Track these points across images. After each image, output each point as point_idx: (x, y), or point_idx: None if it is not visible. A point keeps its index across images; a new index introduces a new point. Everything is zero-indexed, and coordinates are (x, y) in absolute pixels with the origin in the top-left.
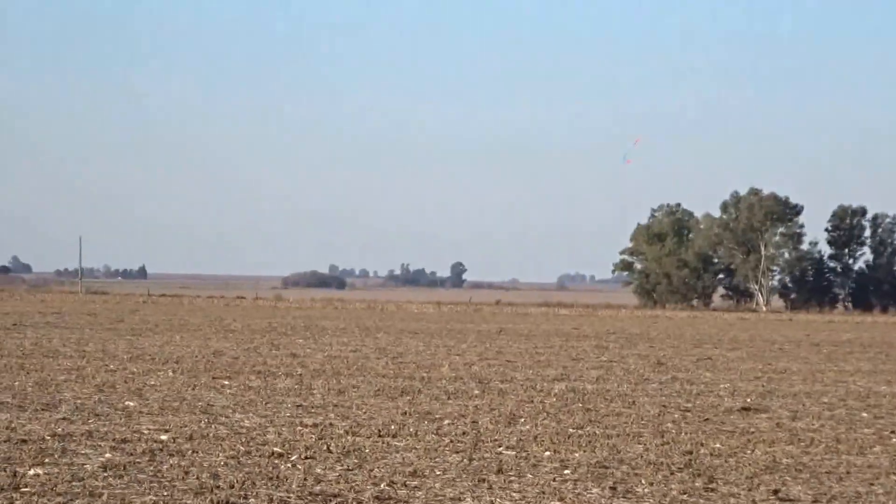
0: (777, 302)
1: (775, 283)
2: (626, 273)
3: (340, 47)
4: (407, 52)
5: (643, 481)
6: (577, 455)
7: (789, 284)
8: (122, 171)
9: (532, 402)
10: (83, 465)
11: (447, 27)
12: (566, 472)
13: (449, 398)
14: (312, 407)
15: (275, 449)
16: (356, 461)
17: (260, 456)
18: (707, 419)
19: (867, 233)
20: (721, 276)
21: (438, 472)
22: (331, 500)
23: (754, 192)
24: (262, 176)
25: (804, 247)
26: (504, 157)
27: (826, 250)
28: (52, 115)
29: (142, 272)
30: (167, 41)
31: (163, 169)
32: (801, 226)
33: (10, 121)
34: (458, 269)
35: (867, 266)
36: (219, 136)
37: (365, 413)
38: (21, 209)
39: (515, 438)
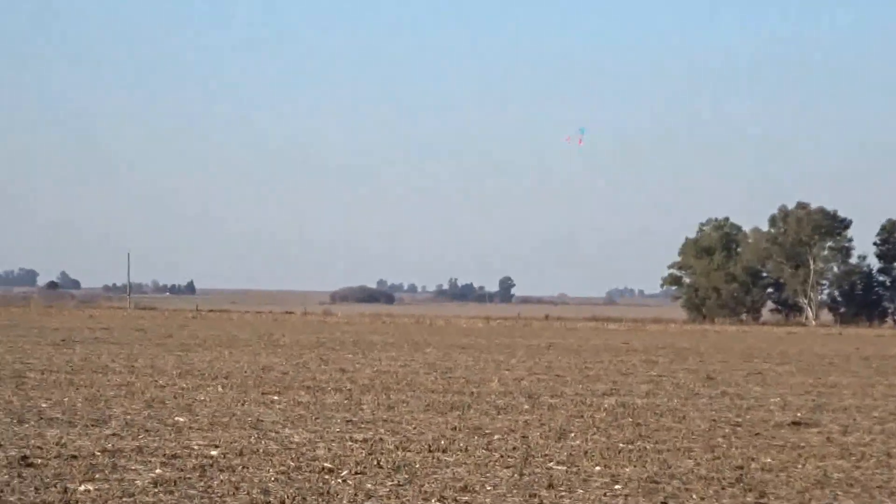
0: (826, 316)
1: (824, 297)
2: (674, 287)
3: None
4: (454, 61)
5: (694, 496)
6: (627, 470)
7: (838, 298)
8: (171, 186)
9: (582, 416)
10: (133, 481)
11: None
12: (617, 487)
13: (499, 413)
14: (362, 422)
15: (325, 464)
16: (406, 477)
17: (310, 471)
18: (757, 434)
19: None
20: (770, 290)
21: (489, 488)
22: None
23: (802, 205)
24: (311, 191)
25: (853, 261)
26: (552, 172)
27: (875, 264)
28: (103, 129)
29: (190, 287)
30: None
31: (212, 184)
32: (850, 239)
33: (59, 135)
34: (506, 283)
35: None
36: (266, 152)
37: (415, 428)
38: (69, 225)
39: (566, 453)
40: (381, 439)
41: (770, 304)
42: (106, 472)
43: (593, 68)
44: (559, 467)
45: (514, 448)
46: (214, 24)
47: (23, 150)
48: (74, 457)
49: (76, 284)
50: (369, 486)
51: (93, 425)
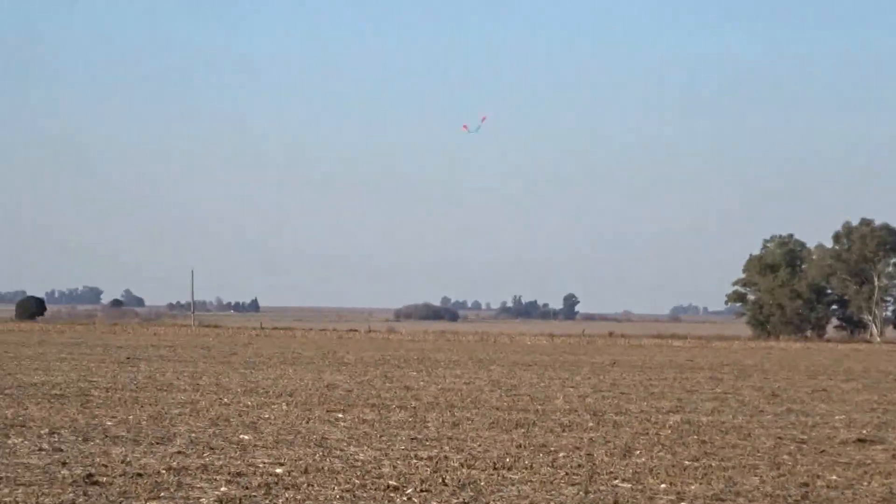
0: (892, 332)
1: (889, 313)
2: (739, 304)
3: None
4: (516, 74)
5: None
6: (693, 487)
7: None
8: (233, 205)
9: (647, 434)
10: (198, 498)
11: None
12: None
13: (564, 430)
14: (427, 440)
15: (390, 482)
16: (472, 494)
17: (375, 489)
18: (823, 451)
19: None
20: (834, 306)
21: None
22: None
23: (866, 222)
24: (374, 209)
25: None
26: (616, 189)
27: None
28: (167, 151)
29: (254, 305)
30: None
31: (275, 202)
32: None
33: (121, 155)
34: (570, 300)
35: None
36: (331, 172)
37: (480, 446)
38: (134, 243)
39: (631, 471)
40: (446, 457)
41: (834, 321)
42: (171, 490)
43: (661, 81)
44: (624, 485)
45: (579, 465)
46: (268, 50)
47: (88, 171)
48: (139, 475)
49: (140, 302)
50: (435, 503)
51: (158, 443)
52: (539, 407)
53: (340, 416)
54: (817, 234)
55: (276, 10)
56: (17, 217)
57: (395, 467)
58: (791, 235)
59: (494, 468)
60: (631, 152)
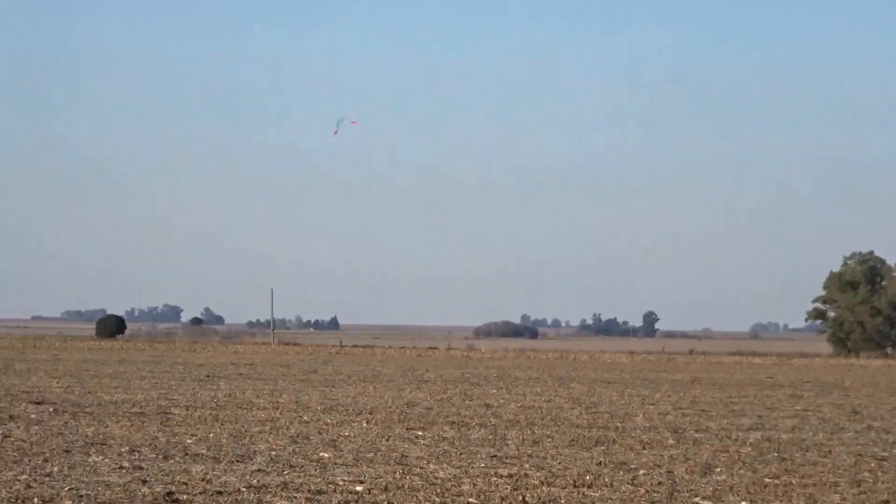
0: None
1: None
2: (819, 321)
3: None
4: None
5: None
6: None
7: None
8: (313, 224)
9: (727, 451)
10: None
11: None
12: None
13: (644, 448)
14: (507, 457)
15: (470, 500)
16: None
17: None
18: None
19: None
20: None
21: None
22: None
23: None
24: (454, 226)
25: None
26: (696, 205)
27: None
28: (243, 172)
29: (333, 323)
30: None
31: (354, 221)
32: None
33: (201, 176)
34: (650, 318)
35: None
36: (410, 188)
37: (560, 463)
38: (213, 262)
39: (711, 488)
40: (526, 475)
41: None
42: None
43: (751, 98)
44: (705, 502)
45: (659, 483)
46: (323, 69)
47: (170, 188)
48: (220, 493)
49: (220, 320)
50: None
51: (238, 461)
52: (619, 424)
53: (420, 433)
54: None
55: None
56: (97, 236)
57: (475, 485)
58: (871, 252)
59: (574, 486)
60: (712, 173)
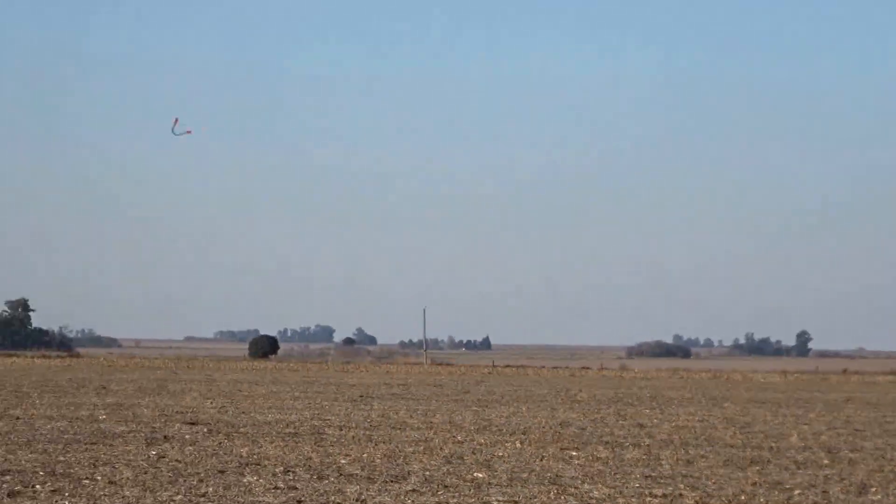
0: None
1: None
2: None
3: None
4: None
5: None
6: None
7: None
8: (466, 244)
9: (882, 471)
10: None
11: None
12: None
13: (798, 468)
14: (661, 477)
15: None
16: None
17: None
18: None
19: None
20: None
21: None
22: None
23: None
24: (604, 244)
25: None
26: (848, 220)
27: None
28: (407, 192)
29: (486, 343)
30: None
31: (504, 241)
32: None
33: (359, 191)
34: (803, 337)
35: None
36: (562, 204)
37: (714, 483)
38: (365, 282)
39: None
40: (680, 494)
41: None
42: None
43: (874, 107)
44: None
45: (814, 503)
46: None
47: (329, 207)
48: None
49: (372, 340)
50: None
51: (392, 481)
52: (773, 444)
53: (574, 453)
54: None
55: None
56: (250, 257)
57: None
58: None
59: None
60: (856, 188)
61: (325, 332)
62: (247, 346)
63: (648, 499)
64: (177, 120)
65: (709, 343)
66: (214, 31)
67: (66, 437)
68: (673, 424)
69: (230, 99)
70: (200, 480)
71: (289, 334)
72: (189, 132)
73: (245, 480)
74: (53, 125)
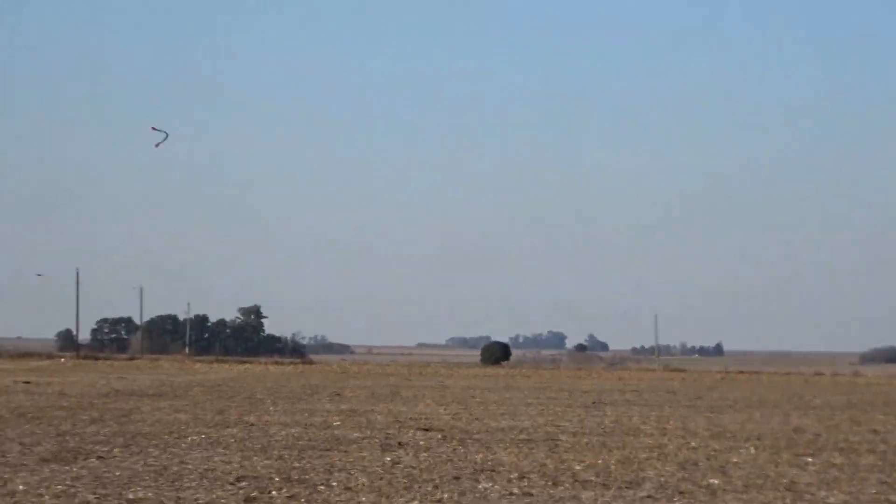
0: None
1: None
2: None
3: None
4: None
5: None
6: None
7: None
8: (693, 249)
9: None
10: None
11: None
12: None
13: None
14: None
15: None
16: None
17: None
18: None
19: None
20: None
21: None
22: None
23: None
24: (837, 249)
25: None
26: None
27: None
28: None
29: (718, 349)
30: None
31: (737, 240)
32: None
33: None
34: None
35: None
36: (799, 210)
37: None
38: (597, 289)
39: None
40: None
41: None
42: None
43: None
44: None
45: None
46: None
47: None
48: None
49: (604, 347)
50: None
51: (627, 487)
52: None
53: (809, 459)
54: None
55: None
56: (483, 265)
57: None
58: None
59: None
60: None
61: (557, 339)
62: (479, 352)
63: None
64: (155, 129)
65: None
66: None
67: (300, 443)
68: None
69: None
70: (435, 487)
71: (520, 340)
72: (166, 136)
73: (480, 486)
74: None
